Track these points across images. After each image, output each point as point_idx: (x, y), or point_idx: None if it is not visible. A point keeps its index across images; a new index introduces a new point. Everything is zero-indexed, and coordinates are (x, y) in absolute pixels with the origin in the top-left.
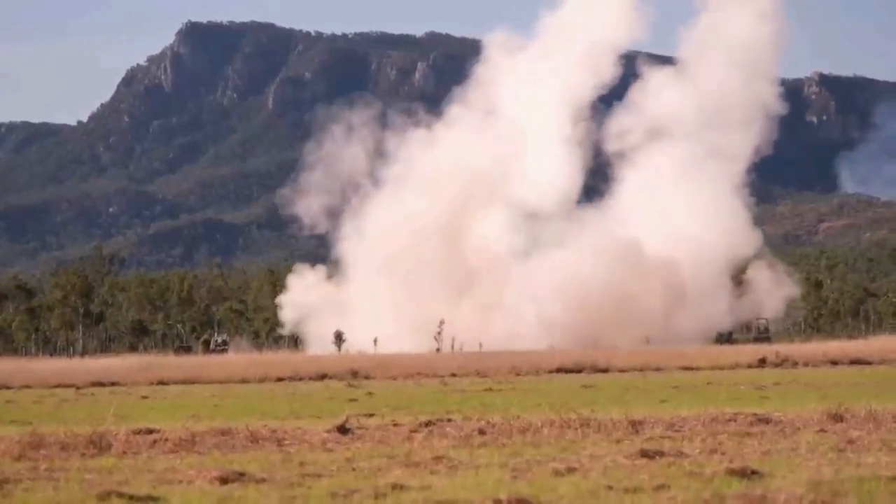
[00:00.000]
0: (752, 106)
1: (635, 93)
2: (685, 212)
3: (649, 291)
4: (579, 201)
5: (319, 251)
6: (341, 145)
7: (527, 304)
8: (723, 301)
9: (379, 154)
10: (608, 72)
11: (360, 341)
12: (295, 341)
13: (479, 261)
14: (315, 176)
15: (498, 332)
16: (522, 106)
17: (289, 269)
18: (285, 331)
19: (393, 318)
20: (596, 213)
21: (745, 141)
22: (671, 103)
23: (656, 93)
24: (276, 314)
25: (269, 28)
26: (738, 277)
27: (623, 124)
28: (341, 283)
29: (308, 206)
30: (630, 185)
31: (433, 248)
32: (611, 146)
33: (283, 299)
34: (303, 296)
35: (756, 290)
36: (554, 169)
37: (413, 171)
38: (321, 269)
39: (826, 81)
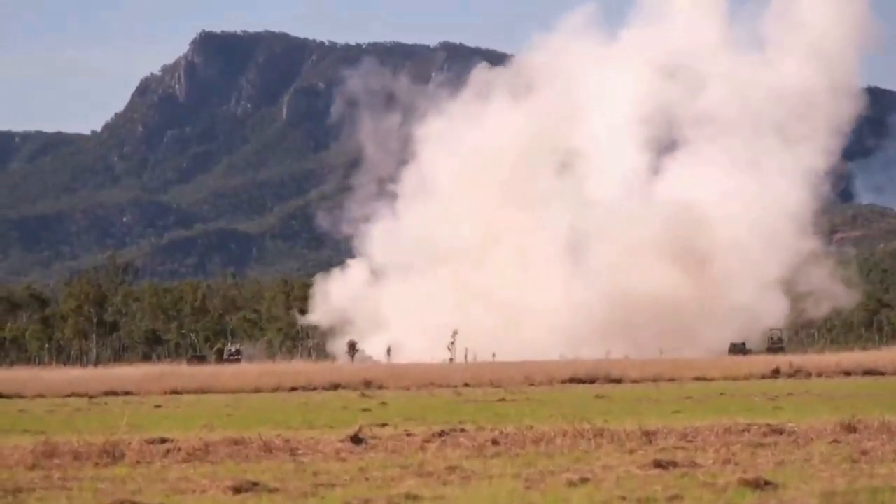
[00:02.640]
0: (828, 102)
1: (708, 83)
2: (742, 206)
3: (699, 287)
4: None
5: (333, 260)
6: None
7: (575, 308)
8: (779, 302)
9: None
10: (685, 81)
11: (401, 351)
12: (309, 351)
13: (527, 260)
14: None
15: (545, 335)
16: (592, 95)
17: (303, 282)
18: (314, 340)
19: (430, 325)
20: (654, 199)
21: (818, 138)
22: (738, 93)
23: (726, 83)
24: (289, 324)
25: (282, 38)
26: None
27: (689, 112)
28: (380, 285)
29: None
30: (691, 172)
31: (484, 240)
32: (677, 133)
33: (319, 302)
34: (342, 297)
35: (813, 288)
36: (621, 167)
37: (459, 149)
38: (364, 267)
39: None
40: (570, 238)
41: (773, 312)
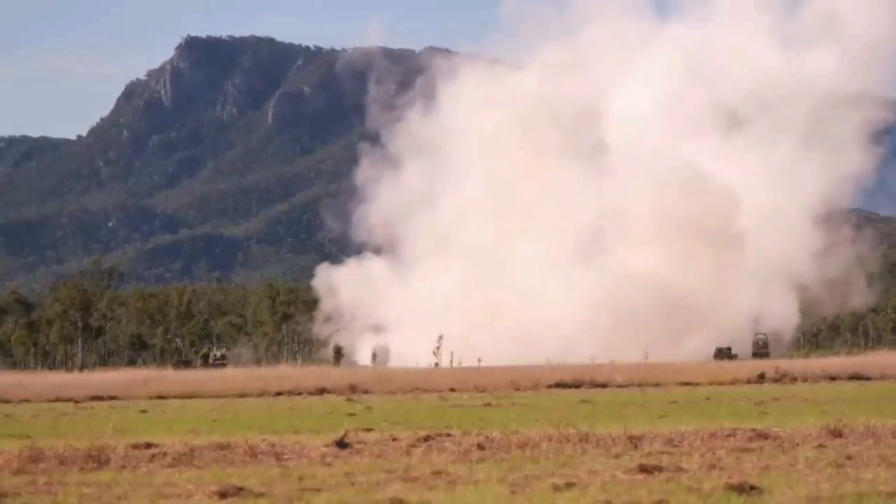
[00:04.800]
0: (858, 105)
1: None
2: (764, 202)
3: (714, 279)
4: None
5: (313, 265)
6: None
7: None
8: (792, 302)
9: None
10: (717, 73)
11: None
12: (295, 355)
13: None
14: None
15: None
16: (623, 79)
17: (289, 287)
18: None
19: (440, 324)
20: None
21: (846, 139)
22: (769, 88)
23: (758, 77)
24: (274, 328)
25: (268, 43)
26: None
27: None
28: (388, 282)
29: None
30: (717, 164)
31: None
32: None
33: (325, 300)
34: (349, 295)
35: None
36: (647, 155)
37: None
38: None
39: None
40: (589, 228)
41: (785, 310)
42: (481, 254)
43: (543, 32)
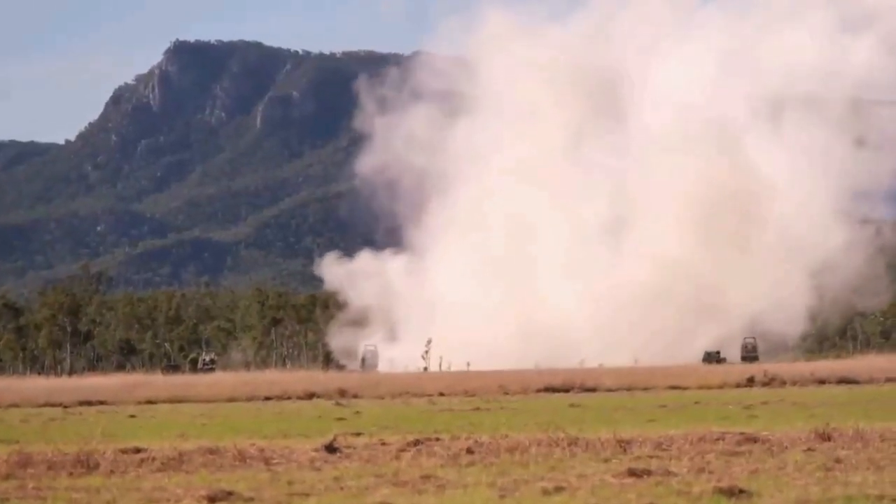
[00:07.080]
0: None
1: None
2: (791, 193)
3: (732, 267)
4: None
5: (307, 269)
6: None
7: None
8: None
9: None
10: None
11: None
12: (284, 360)
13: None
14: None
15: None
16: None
17: (278, 292)
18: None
19: (492, 318)
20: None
21: (879, 134)
22: (804, 78)
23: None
24: (263, 333)
25: (257, 47)
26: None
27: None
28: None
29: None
30: (746, 153)
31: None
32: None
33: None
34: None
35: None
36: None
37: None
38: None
39: None
40: (607, 220)
41: (795, 311)
42: (493, 249)
43: None
